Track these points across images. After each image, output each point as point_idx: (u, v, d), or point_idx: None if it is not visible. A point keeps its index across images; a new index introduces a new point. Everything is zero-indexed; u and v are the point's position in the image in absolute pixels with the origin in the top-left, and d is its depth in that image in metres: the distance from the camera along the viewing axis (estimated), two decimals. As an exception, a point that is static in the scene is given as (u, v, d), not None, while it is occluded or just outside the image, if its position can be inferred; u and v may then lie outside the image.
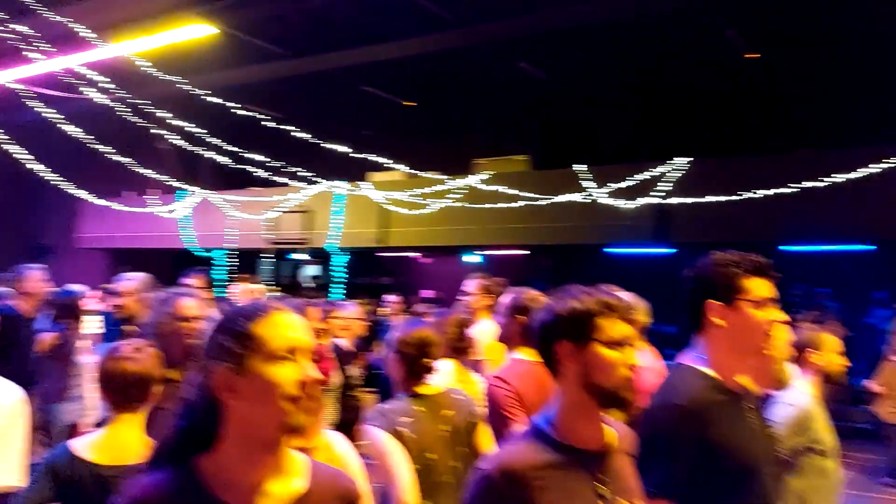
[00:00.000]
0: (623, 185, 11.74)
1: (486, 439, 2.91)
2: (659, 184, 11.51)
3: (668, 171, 11.50)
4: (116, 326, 4.42)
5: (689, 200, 11.05)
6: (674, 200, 11.32)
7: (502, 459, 1.70)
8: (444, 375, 3.35)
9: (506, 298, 3.25)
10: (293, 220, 15.39)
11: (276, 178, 14.23)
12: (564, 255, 15.07)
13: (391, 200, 13.66)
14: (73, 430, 4.87)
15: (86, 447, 2.31)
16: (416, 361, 2.81)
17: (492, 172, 13.46)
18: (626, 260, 14.04)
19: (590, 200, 11.94)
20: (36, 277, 5.46)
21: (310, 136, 12.03)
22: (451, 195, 13.29)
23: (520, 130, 16.12)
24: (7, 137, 13.30)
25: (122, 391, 2.38)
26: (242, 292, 16.16)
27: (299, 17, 12.53)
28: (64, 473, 2.23)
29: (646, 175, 11.61)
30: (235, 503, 1.35)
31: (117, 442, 2.33)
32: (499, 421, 2.80)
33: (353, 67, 13.87)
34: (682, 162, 11.55)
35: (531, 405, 2.67)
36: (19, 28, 9.00)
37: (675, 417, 2.05)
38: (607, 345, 1.70)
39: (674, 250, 12.74)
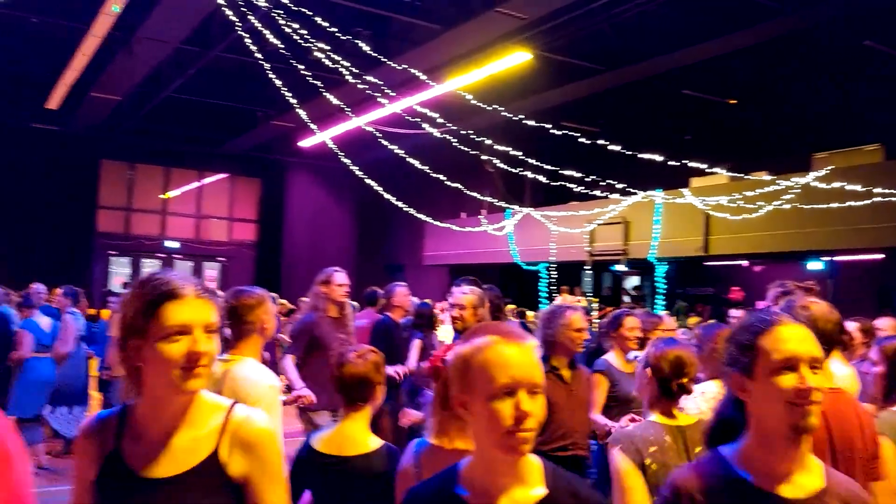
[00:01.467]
0: None
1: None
2: None
3: None
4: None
5: None
6: None
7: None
8: (706, 399, 3.02)
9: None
10: (611, 231, 15.42)
11: (593, 192, 14.45)
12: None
13: (713, 206, 12.92)
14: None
15: (319, 440, 2.70)
16: (669, 381, 2.56)
17: (831, 167, 11.97)
18: None
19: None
20: (402, 293, 6.36)
21: (625, 147, 12.01)
22: (783, 196, 12.12)
23: (868, 117, 14.11)
24: (365, 174, 15.59)
25: (348, 391, 2.69)
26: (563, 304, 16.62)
27: (612, 31, 12.65)
28: (306, 463, 2.65)
29: None
30: (768, 488, 1.54)
31: (343, 436, 2.68)
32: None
33: (670, 72, 13.54)
34: None
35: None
36: (370, 79, 10.48)
37: None
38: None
39: None
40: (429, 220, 17.46)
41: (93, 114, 17.70)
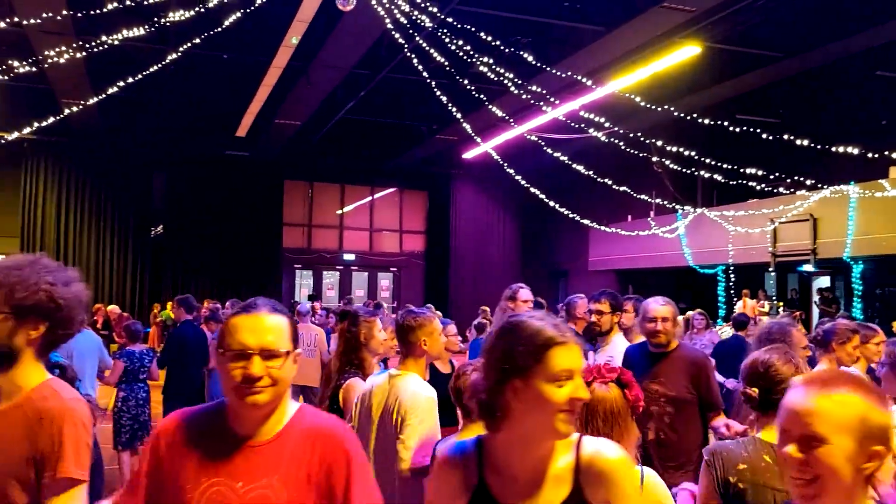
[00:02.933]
0: None
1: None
2: None
3: None
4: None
5: None
6: None
7: None
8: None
9: None
10: (797, 229, 14.29)
11: (777, 188, 13.49)
12: None
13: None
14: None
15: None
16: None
17: None
18: None
19: None
20: (584, 305, 6.29)
21: (812, 139, 11.11)
22: None
23: None
24: (528, 181, 15.63)
25: (462, 403, 2.80)
26: (743, 307, 15.67)
27: (790, 14, 11.78)
28: None
29: None
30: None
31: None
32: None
33: (859, 54, 12.38)
34: None
35: None
36: (533, 88, 10.52)
37: None
38: None
39: None
40: (593, 225, 17.14)
41: (276, 139, 19.21)
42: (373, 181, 23.78)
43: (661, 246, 17.43)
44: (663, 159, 12.50)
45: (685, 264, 17.08)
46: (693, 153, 11.61)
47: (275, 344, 1.64)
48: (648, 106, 10.61)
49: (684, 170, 13.23)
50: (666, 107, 10.52)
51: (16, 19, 9.13)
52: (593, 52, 12.58)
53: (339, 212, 23.85)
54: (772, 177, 12.19)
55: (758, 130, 10.38)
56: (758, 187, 13.13)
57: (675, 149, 11.80)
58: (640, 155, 12.25)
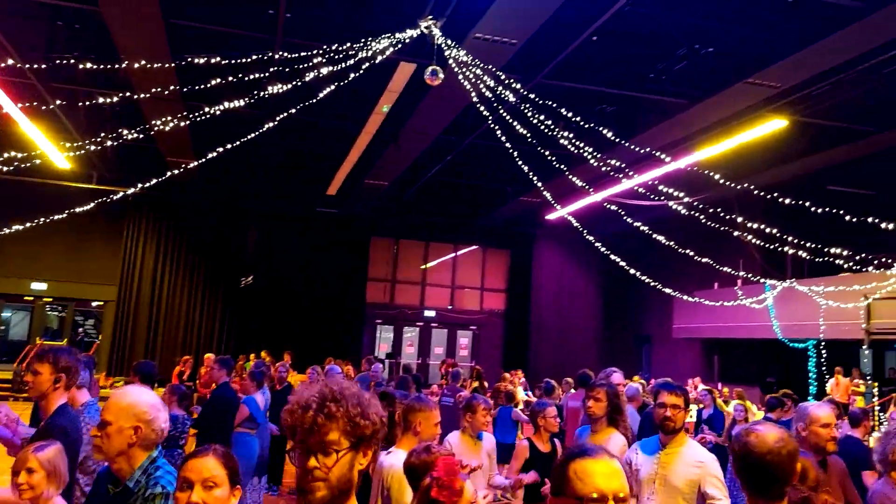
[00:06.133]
0: None
1: None
2: None
3: None
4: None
5: None
6: None
7: None
8: None
9: None
10: (892, 306, 13.65)
11: (872, 261, 12.97)
12: None
13: None
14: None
15: None
16: None
17: None
18: None
19: None
20: (619, 380, 6.28)
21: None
22: None
23: None
24: (610, 246, 15.60)
25: None
26: (836, 386, 14.94)
27: (883, 89, 11.53)
28: None
29: None
30: None
31: None
32: None
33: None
34: None
35: None
36: (612, 162, 10.68)
37: None
38: None
39: None
40: (676, 294, 16.83)
41: (365, 197, 19.99)
42: (456, 239, 24.21)
43: (748, 316, 16.91)
44: (748, 235, 12.26)
45: (774, 337, 16.49)
46: (775, 230, 11.38)
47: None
48: (726, 183, 10.55)
49: (768, 244, 12.94)
50: (745, 185, 10.40)
51: (130, 94, 10.09)
52: (677, 124, 12.64)
53: (423, 267, 24.33)
54: (858, 257, 11.75)
55: (841, 212, 10.09)
56: (844, 265, 12.66)
57: (756, 225, 11.60)
58: (722, 229, 12.08)
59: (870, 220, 9.45)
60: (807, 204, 10.25)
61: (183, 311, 20.85)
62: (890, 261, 12.10)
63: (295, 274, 21.49)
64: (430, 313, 23.89)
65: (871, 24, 8.68)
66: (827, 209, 10.36)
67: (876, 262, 12.78)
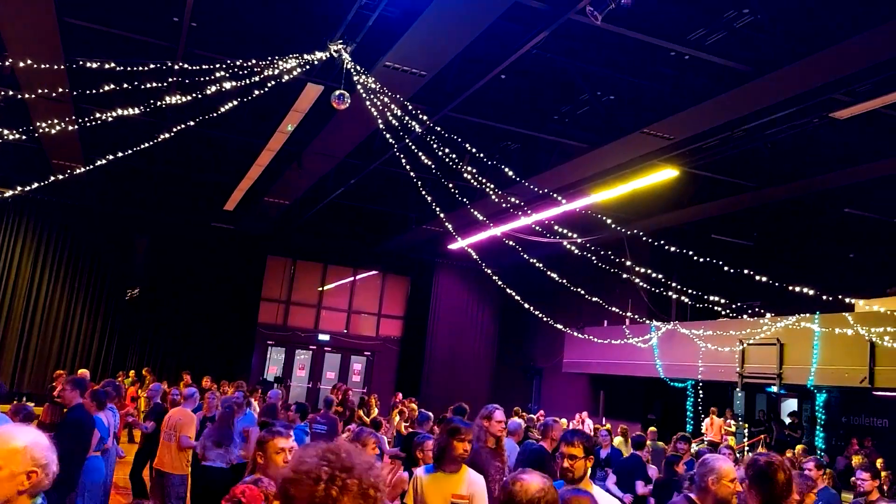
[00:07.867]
0: None
1: None
2: None
3: None
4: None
5: None
6: None
7: None
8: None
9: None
10: (764, 352, 14.51)
11: (747, 309, 13.76)
12: None
13: (879, 334, 11.87)
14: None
15: None
16: None
17: None
18: None
19: None
20: (560, 428, 6.30)
21: (777, 269, 11.45)
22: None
23: None
24: (508, 279, 15.84)
25: None
26: (710, 425, 15.61)
27: (766, 150, 12.37)
28: None
29: None
30: None
31: None
32: None
33: (831, 191, 12.92)
34: None
35: None
36: (513, 199, 10.89)
37: None
38: None
39: None
40: (566, 329, 17.28)
41: (263, 215, 19.48)
42: (356, 262, 23.96)
43: (634, 355, 17.54)
44: (635, 278, 12.77)
45: (657, 375, 17.18)
46: (660, 275, 11.93)
47: None
48: (617, 227, 10.97)
49: (653, 289, 13.52)
50: (635, 230, 10.85)
51: (14, 93, 9.44)
52: (577, 166, 13.06)
53: (320, 289, 23.89)
54: (735, 304, 12.47)
55: (720, 263, 10.72)
56: (722, 311, 13.40)
57: (643, 269, 12.12)
58: (612, 271, 12.54)
59: (746, 271, 10.06)
60: (690, 252, 10.81)
61: (60, 322, 19.54)
62: (762, 310, 12.89)
63: (185, 289, 20.60)
64: (324, 337, 23.44)
65: (759, 88, 9.29)
66: (708, 258, 10.96)
67: (750, 310, 13.57)
